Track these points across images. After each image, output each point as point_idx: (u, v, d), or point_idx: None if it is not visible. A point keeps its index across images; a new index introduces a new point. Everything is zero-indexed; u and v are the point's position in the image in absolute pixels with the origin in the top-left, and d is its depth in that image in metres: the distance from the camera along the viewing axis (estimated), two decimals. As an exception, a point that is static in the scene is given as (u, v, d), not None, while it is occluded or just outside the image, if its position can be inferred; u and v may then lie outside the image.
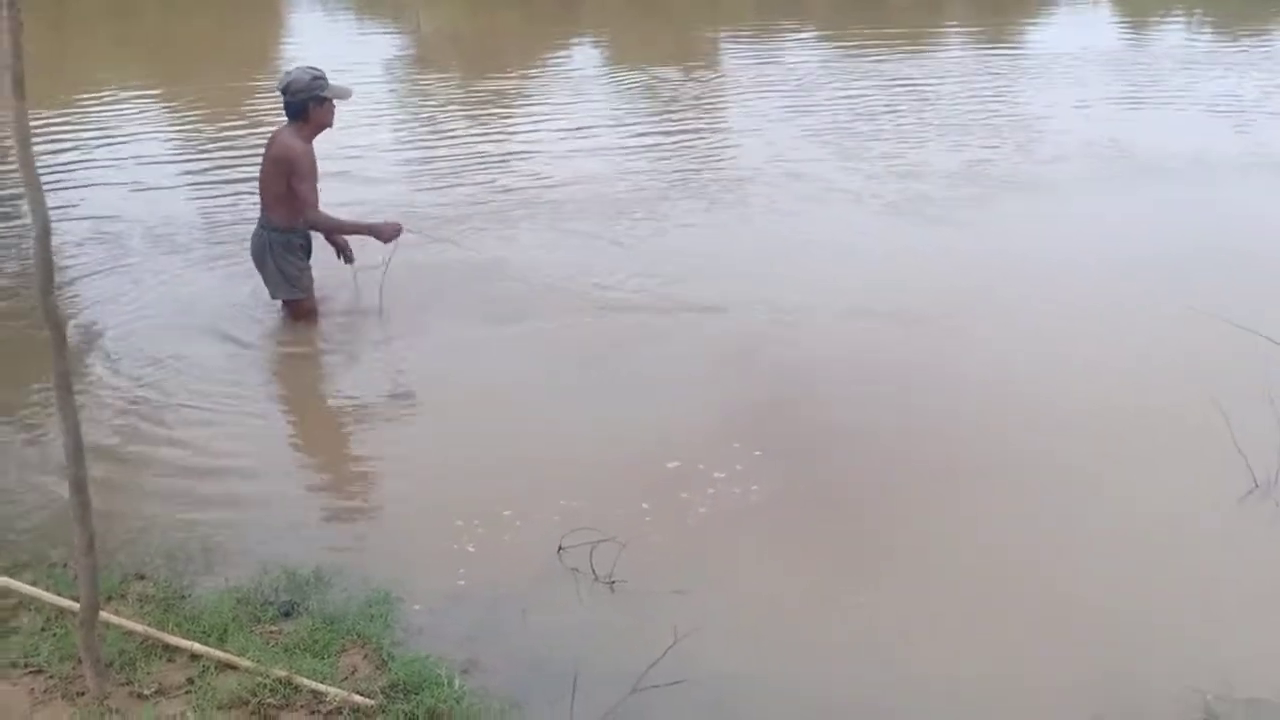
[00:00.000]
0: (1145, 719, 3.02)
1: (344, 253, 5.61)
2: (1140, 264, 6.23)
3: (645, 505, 3.98)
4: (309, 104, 5.03)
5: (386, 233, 5.30)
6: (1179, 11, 15.85)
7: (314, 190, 5.10)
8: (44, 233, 2.60)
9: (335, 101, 5.12)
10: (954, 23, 14.87)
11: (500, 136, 9.34)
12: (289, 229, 5.17)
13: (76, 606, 2.97)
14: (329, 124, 5.18)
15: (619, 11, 16.99)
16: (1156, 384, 4.83)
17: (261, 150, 5.31)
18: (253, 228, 5.39)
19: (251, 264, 5.39)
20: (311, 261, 5.44)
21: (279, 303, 5.40)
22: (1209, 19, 14.50)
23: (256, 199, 5.38)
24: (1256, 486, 4.00)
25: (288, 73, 5.12)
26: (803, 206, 7.43)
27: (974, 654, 3.30)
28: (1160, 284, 5.85)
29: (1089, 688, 3.14)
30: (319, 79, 5.06)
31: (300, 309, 5.36)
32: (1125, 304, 5.69)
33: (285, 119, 5.16)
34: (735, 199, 7.58)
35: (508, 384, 4.96)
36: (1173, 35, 14.69)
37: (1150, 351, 5.13)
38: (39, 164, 2.55)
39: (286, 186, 5.08)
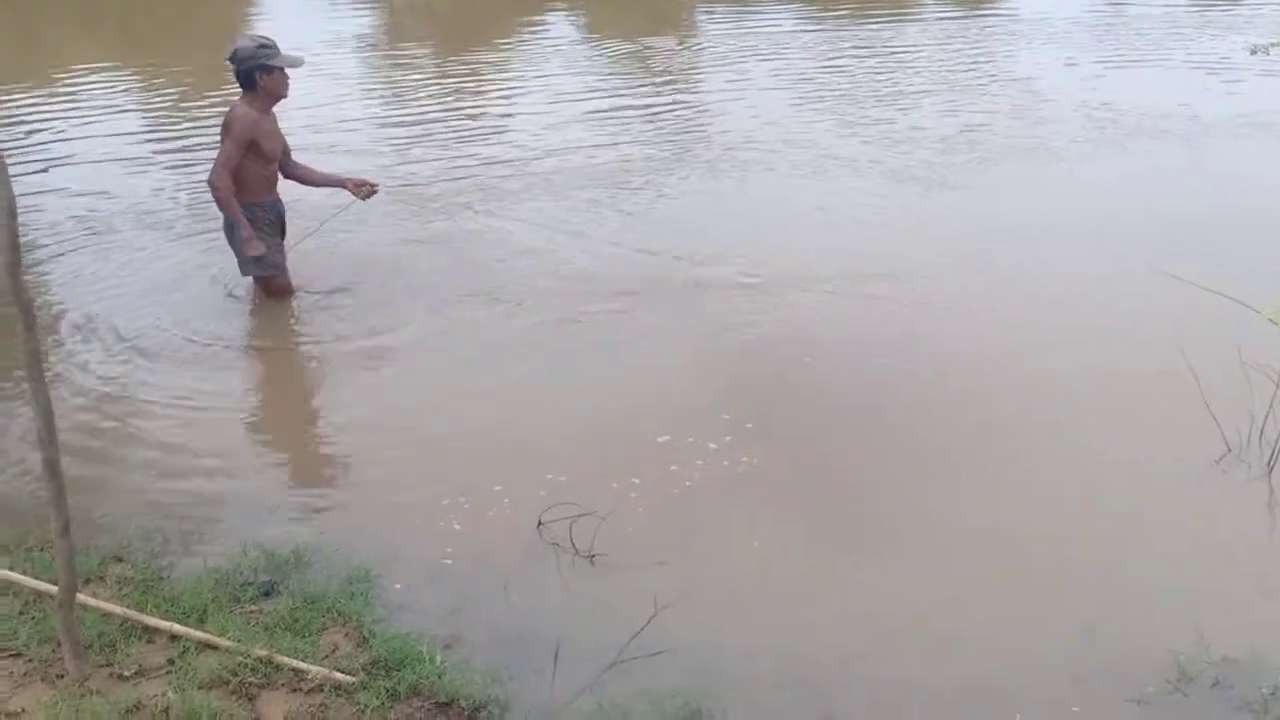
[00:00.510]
0: (1123, 679, 3.06)
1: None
2: (1127, 227, 6.26)
3: (626, 479, 3.99)
4: (255, 73, 4.95)
5: (241, 235, 5.11)
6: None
7: (232, 152, 4.95)
8: (9, 213, 2.57)
9: (289, 71, 5.04)
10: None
11: (481, 109, 9.27)
12: (250, 204, 5.11)
13: (54, 589, 2.96)
14: (282, 94, 5.09)
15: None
16: (1135, 350, 4.85)
17: None
18: None
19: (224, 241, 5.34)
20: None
21: (251, 280, 5.35)
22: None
23: None
24: (1229, 451, 4.04)
25: (234, 42, 5.06)
26: (794, 173, 7.41)
27: (954, 619, 3.33)
28: (1148, 249, 5.85)
29: (1068, 650, 3.18)
30: (265, 47, 4.97)
31: (272, 285, 5.31)
32: (1105, 270, 5.71)
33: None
34: (726, 168, 7.53)
35: (486, 360, 4.94)
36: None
37: (1135, 317, 5.15)
38: (5, 143, 2.51)
39: (221, 142, 5.03)
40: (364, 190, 5.40)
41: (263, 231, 5.14)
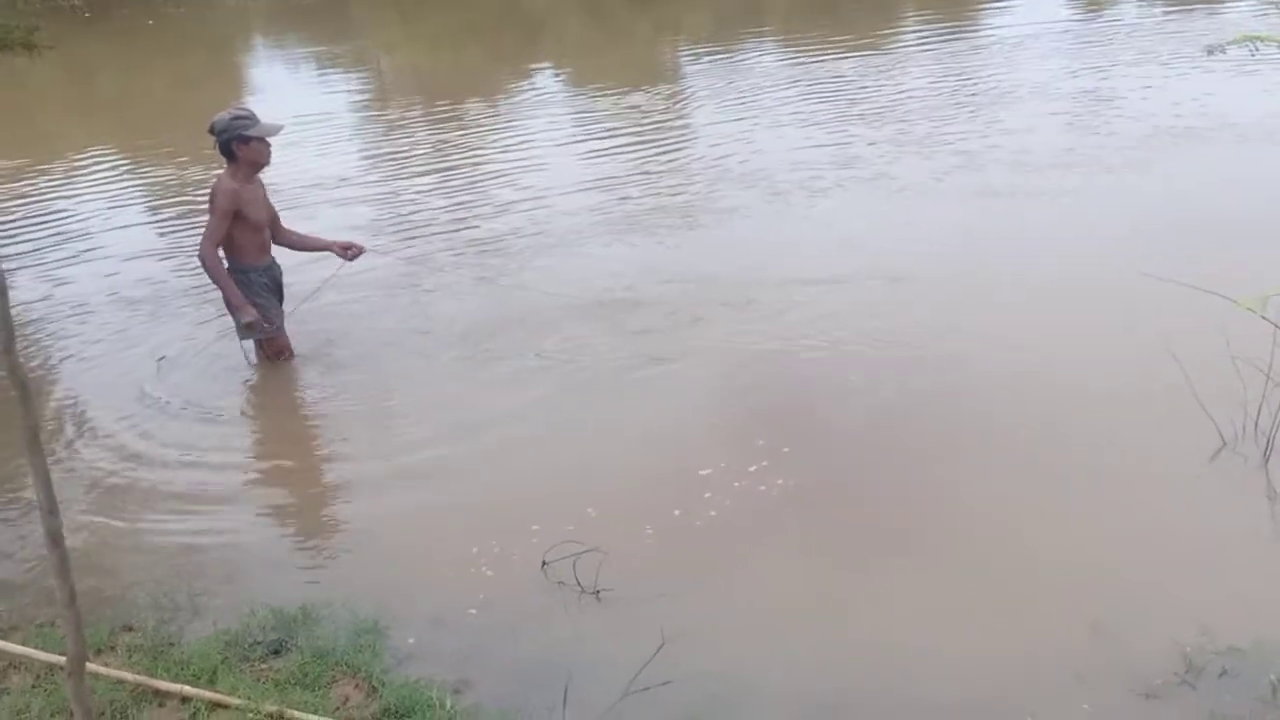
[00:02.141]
0: (1131, 675, 3.06)
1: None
2: (1108, 231, 6.32)
3: (628, 515, 4.02)
4: (233, 144, 5.07)
5: (237, 307, 5.16)
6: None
7: (216, 225, 5.05)
8: (1, 290, 2.63)
9: (269, 140, 5.14)
10: (910, 23, 15.05)
11: (473, 165, 9.37)
12: (245, 268, 5.21)
13: (64, 660, 2.99)
14: (262, 162, 5.18)
15: (581, 40, 17.14)
16: (1128, 351, 4.88)
17: None
18: None
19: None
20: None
21: (252, 344, 5.42)
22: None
23: None
24: (1225, 444, 4.06)
25: (214, 116, 5.16)
26: (789, 207, 7.47)
27: (961, 630, 3.34)
28: (1130, 252, 5.90)
29: (1076, 649, 3.19)
30: (240, 118, 5.08)
31: (271, 346, 5.38)
32: (1091, 273, 5.76)
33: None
34: (728, 208, 7.59)
35: (482, 408, 4.99)
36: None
37: (1123, 319, 5.18)
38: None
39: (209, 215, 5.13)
40: (350, 253, 5.49)
41: (259, 295, 5.23)
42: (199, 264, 5.20)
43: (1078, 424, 4.41)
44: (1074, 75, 10.76)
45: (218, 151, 5.18)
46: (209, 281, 5.31)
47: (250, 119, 5.10)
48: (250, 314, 5.16)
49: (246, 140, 5.07)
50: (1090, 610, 3.33)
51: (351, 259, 5.52)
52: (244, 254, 5.20)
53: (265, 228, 5.28)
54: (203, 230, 5.17)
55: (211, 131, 5.12)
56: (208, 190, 5.25)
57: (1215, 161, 7.75)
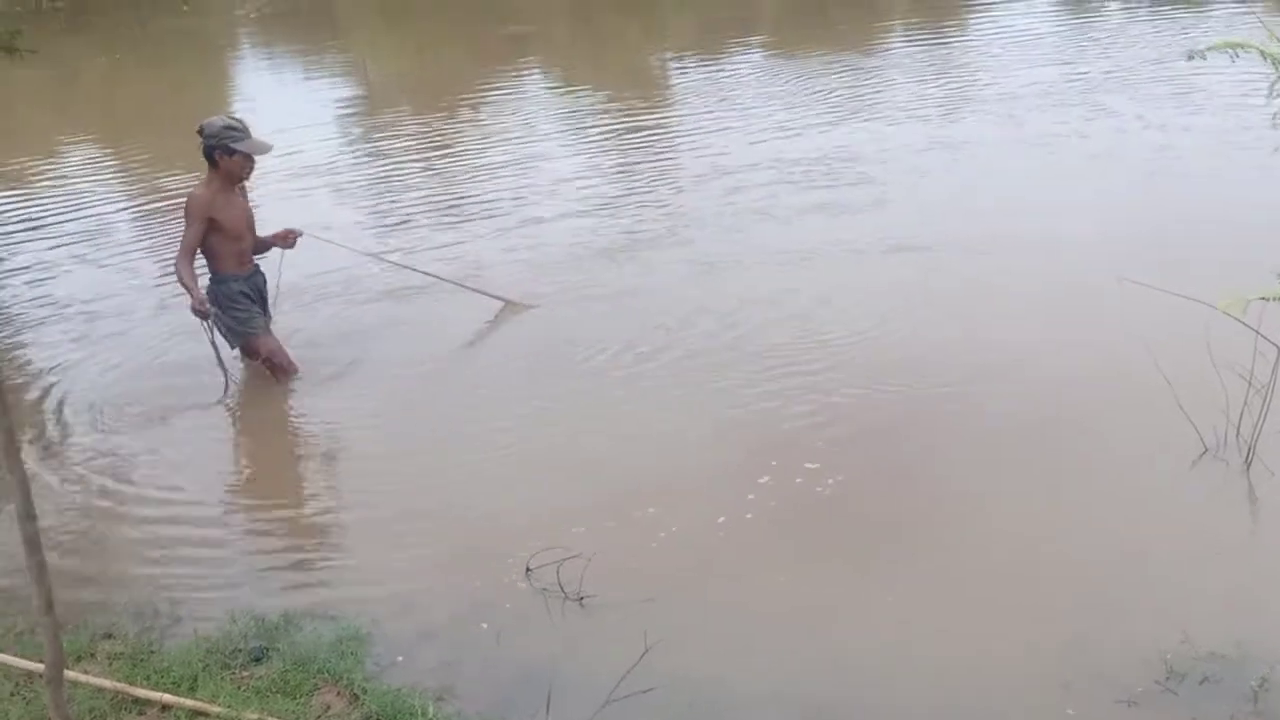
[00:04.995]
0: (1114, 682, 3.07)
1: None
2: (1088, 239, 6.34)
3: (610, 521, 4.01)
4: (216, 152, 5.02)
5: (192, 304, 5.07)
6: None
7: (189, 234, 5.02)
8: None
9: (255, 157, 5.10)
10: (896, 20, 15.11)
11: (462, 171, 9.34)
12: (225, 277, 5.18)
13: (43, 668, 2.96)
14: (242, 177, 5.14)
15: (568, 45, 17.14)
16: (1109, 358, 4.88)
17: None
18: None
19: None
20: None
21: (238, 350, 5.38)
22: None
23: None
24: (1207, 450, 4.08)
25: (207, 119, 5.13)
26: (761, 216, 7.48)
27: (945, 639, 3.34)
28: (1111, 258, 5.91)
29: (1059, 657, 3.20)
30: (231, 129, 5.02)
31: (249, 347, 5.30)
32: (1072, 281, 5.78)
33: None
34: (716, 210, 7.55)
35: (463, 417, 4.96)
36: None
37: (1105, 326, 5.19)
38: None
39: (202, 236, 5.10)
40: (289, 240, 5.45)
41: (237, 303, 5.18)
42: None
43: (1059, 431, 4.42)
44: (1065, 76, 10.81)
45: (201, 154, 5.13)
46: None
47: (241, 132, 5.04)
48: (202, 309, 5.04)
49: (231, 152, 5.03)
50: (1073, 617, 3.34)
51: (291, 246, 5.47)
52: (223, 262, 5.17)
53: (245, 236, 5.23)
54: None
55: (200, 133, 5.08)
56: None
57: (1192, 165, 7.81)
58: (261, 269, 5.42)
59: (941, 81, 11.18)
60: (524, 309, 5.96)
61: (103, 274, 7.21)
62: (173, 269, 5.15)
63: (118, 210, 8.88)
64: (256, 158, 5.15)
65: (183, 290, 5.16)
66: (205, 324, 5.16)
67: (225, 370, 5.25)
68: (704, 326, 5.63)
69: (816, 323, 5.55)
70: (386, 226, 7.81)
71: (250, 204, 5.43)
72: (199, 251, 5.15)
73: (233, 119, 5.13)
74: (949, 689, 3.15)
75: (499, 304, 5.99)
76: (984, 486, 4.12)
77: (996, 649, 3.27)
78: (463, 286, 6.08)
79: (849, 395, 4.83)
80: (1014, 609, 3.44)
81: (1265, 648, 3.12)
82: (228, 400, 5.27)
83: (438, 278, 6.19)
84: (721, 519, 4.00)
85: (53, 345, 6.06)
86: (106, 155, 11.01)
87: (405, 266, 6.36)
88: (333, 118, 12.09)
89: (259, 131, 5.25)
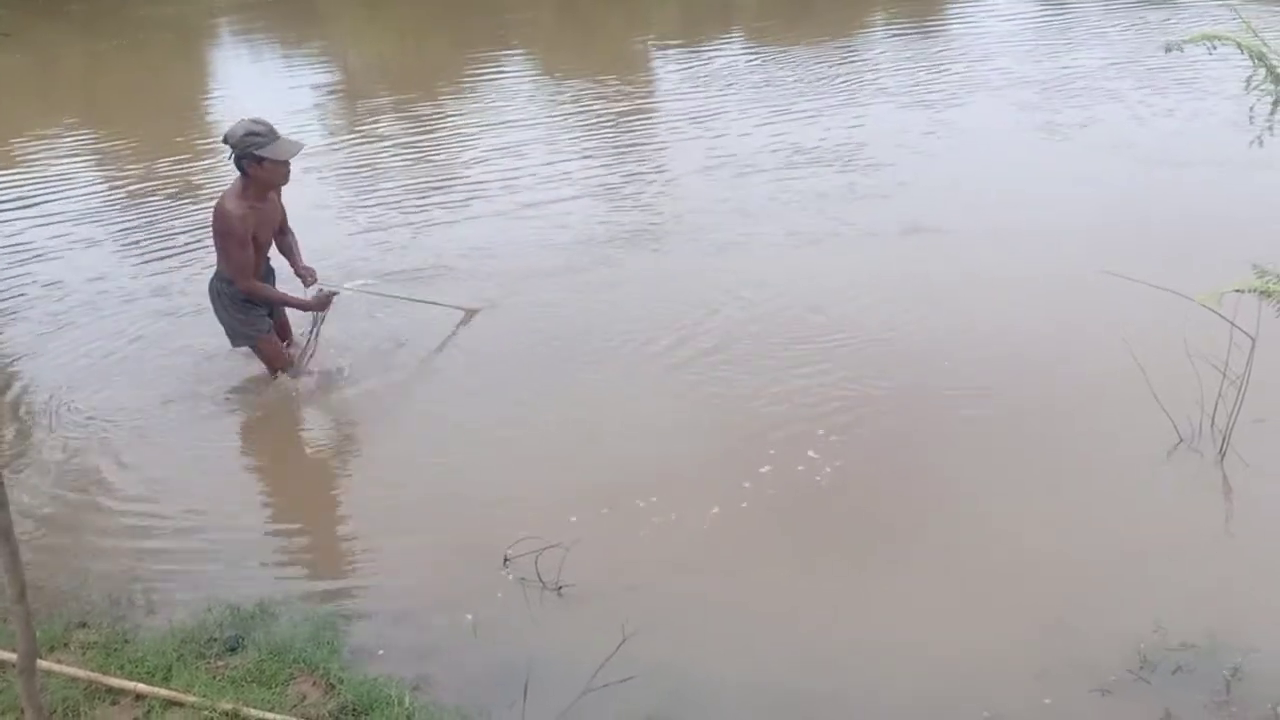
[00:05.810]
0: (1089, 670, 3.10)
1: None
2: (1069, 231, 6.36)
3: (589, 511, 4.01)
4: (244, 162, 4.68)
5: (314, 306, 5.09)
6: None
7: (240, 256, 4.76)
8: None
9: (289, 160, 4.75)
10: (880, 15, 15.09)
11: (445, 166, 9.28)
12: (230, 279, 4.96)
13: (14, 657, 2.94)
14: (277, 183, 4.81)
15: (551, 32, 17.06)
16: (1087, 349, 4.93)
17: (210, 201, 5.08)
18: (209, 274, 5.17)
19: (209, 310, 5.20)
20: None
21: (231, 348, 5.28)
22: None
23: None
24: (1181, 441, 4.11)
25: (233, 125, 4.77)
26: (765, 218, 7.47)
27: (921, 627, 3.37)
28: (1091, 250, 5.94)
29: (1036, 645, 3.24)
30: (254, 134, 4.63)
31: (259, 349, 5.15)
32: (1052, 271, 5.80)
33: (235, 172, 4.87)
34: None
35: (445, 407, 4.95)
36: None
37: (1083, 317, 5.24)
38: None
39: (220, 246, 4.89)
40: (325, 304, 5.17)
41: (241, 307, 4.99)
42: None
43: (1036, 423, 4.45)
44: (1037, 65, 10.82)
45: (232, 164, 4.82)
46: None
47: (265, 135, 4.66)
48: (317, 304, 5.00)
49: (259, 160, 4.66)
50: (1049, 607, 3.37)
51: (319, 310, 5.18)
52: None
53: (264, 250, 5.00)
54: (221, 262, 4.88)
55: (225, 142, 4.76)
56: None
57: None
58: (271, 263, 5.20)
59: (927, 69, 11.18)
60: (475, 314, 5.80)
61: (80, 260, 7.12)
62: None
63: (99, 195, 8.79)
64: (291, 161, 4.77)
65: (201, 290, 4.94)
66: (318, 315, 5.06)
67: (309, 354, 5.16)
68: (695, 317, 5.59)
69: (807, 313, 5.54)
70: (366, 207, 7.76)
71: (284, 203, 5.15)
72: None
73: (255, 122, 4.71)
74: (927, 677, 3.17)
75: (478, 305, 5.93)
76: (959, 477, 4.15)
77: (974, 637, 3.30)
78: (415, 300, 5.81)
79: (827, 390, 4.82)
80: (990, 597, 3.47)
81: (1237, 638, 3.15)
82: (207, 392, 5.21)
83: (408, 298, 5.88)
84: (702, 510, 4.00)
85: (27, 331, 5.99)
86: (85, 141, 10.90)
87: (374, 293, 5.89)
88: (311, 104, 12.00)
89: (235, 114, 5.00)
